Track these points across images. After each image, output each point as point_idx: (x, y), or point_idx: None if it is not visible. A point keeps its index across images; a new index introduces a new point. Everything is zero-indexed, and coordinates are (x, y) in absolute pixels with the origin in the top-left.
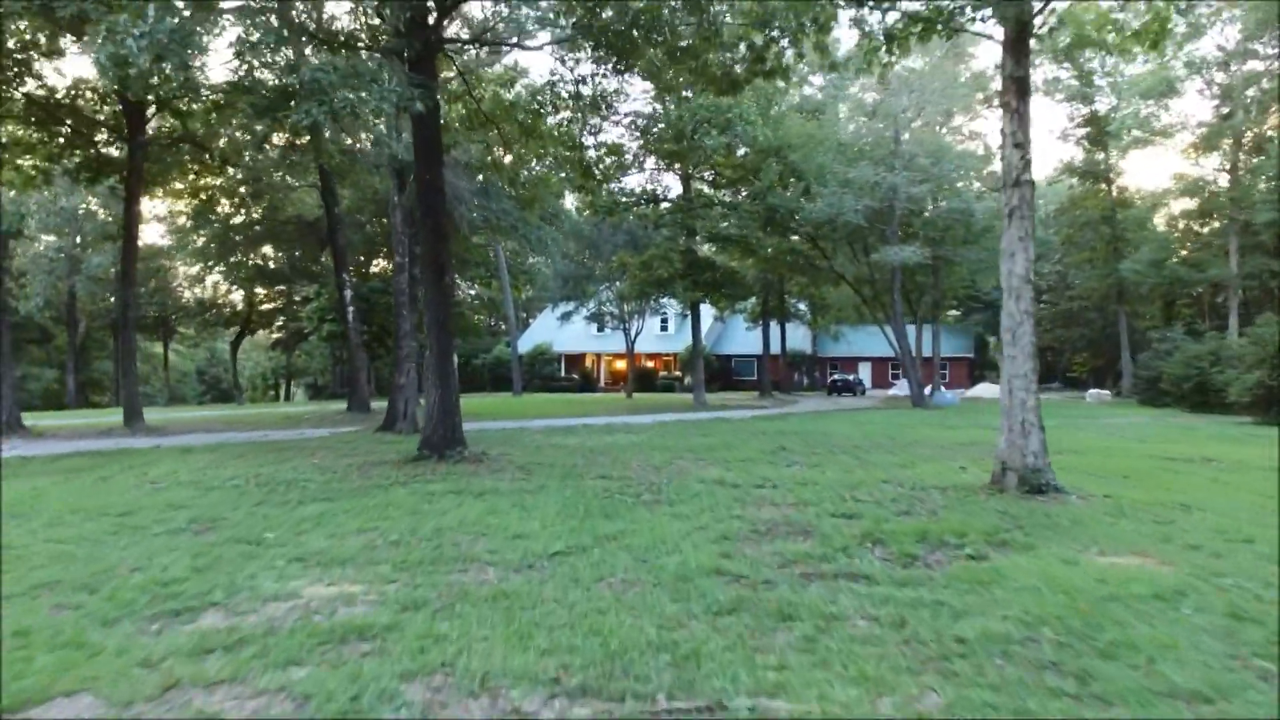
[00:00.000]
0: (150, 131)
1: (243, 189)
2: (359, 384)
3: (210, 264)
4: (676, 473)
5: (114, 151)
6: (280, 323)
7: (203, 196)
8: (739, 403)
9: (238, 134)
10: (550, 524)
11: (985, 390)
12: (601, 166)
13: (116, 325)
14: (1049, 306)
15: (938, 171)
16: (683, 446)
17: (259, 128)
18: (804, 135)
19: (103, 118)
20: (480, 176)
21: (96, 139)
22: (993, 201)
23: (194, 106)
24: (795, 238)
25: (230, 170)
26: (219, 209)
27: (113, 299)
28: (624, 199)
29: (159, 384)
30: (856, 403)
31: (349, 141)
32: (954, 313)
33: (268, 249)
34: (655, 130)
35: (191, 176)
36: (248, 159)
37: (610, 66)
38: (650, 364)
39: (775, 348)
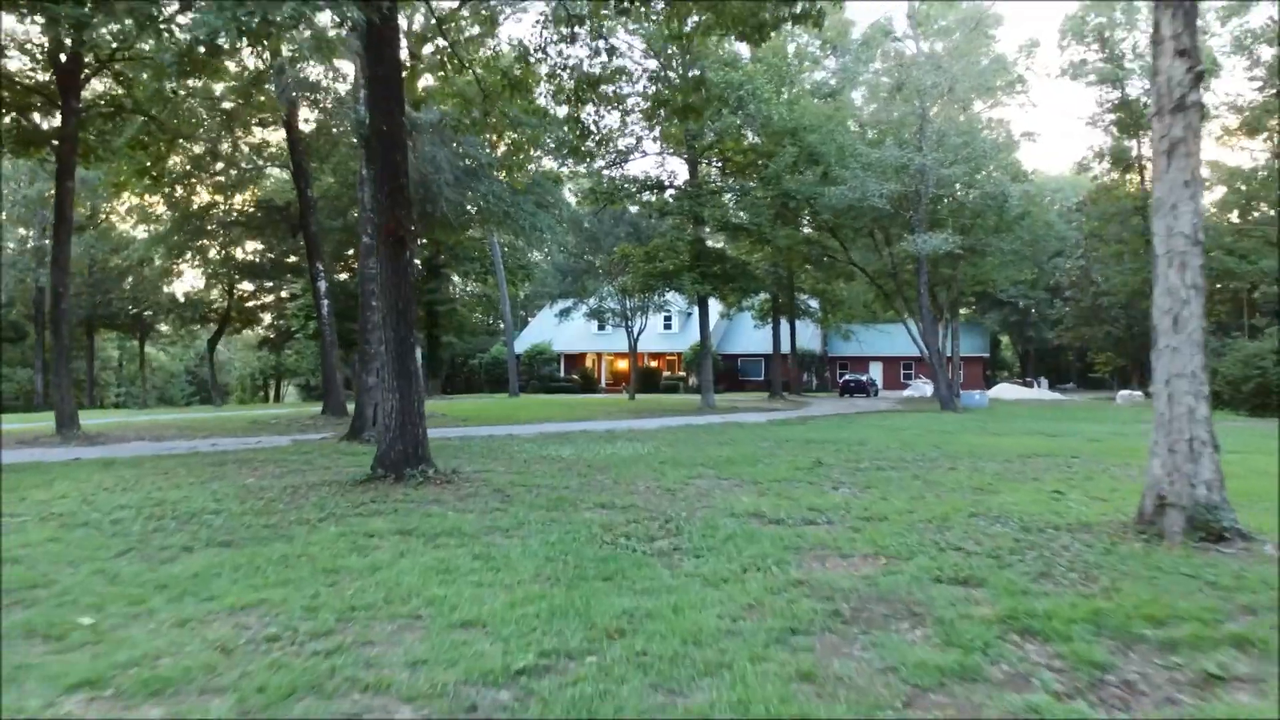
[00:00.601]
0: (90, 98)
1: (204, 168)
2: (333, 385)
3: (174, 254)
4: (697, 498)
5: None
6: (268, 321)
7: (155, 175)
8: (749, 404)
9: (165, 82)
10: (522, 598)
11: (1005, 391)
12: (600, 124)
13: (89, 322)
14: (1072, 304)
15: (970, 152)
16: (698, 459)
17: (147, 44)
18: (822, 116)
19: (33, 81)
20: (466, 157)
21: (28, 104)
22: (1031, 185)
23: (143, 75)
24: (807, 230)
25: (186, 144)
26: (180, 190)
27: (84, 293)
28: (627, 185)
29: (146, 384)
30: (874, 404)
31: (333, 128)
32: (963, 311)
33: (250, 242)
34: (667, 80)
35: (139, 150)
36: (204, 128)
37: (613, 6)
38: (653, 364)
39: (783, 346)
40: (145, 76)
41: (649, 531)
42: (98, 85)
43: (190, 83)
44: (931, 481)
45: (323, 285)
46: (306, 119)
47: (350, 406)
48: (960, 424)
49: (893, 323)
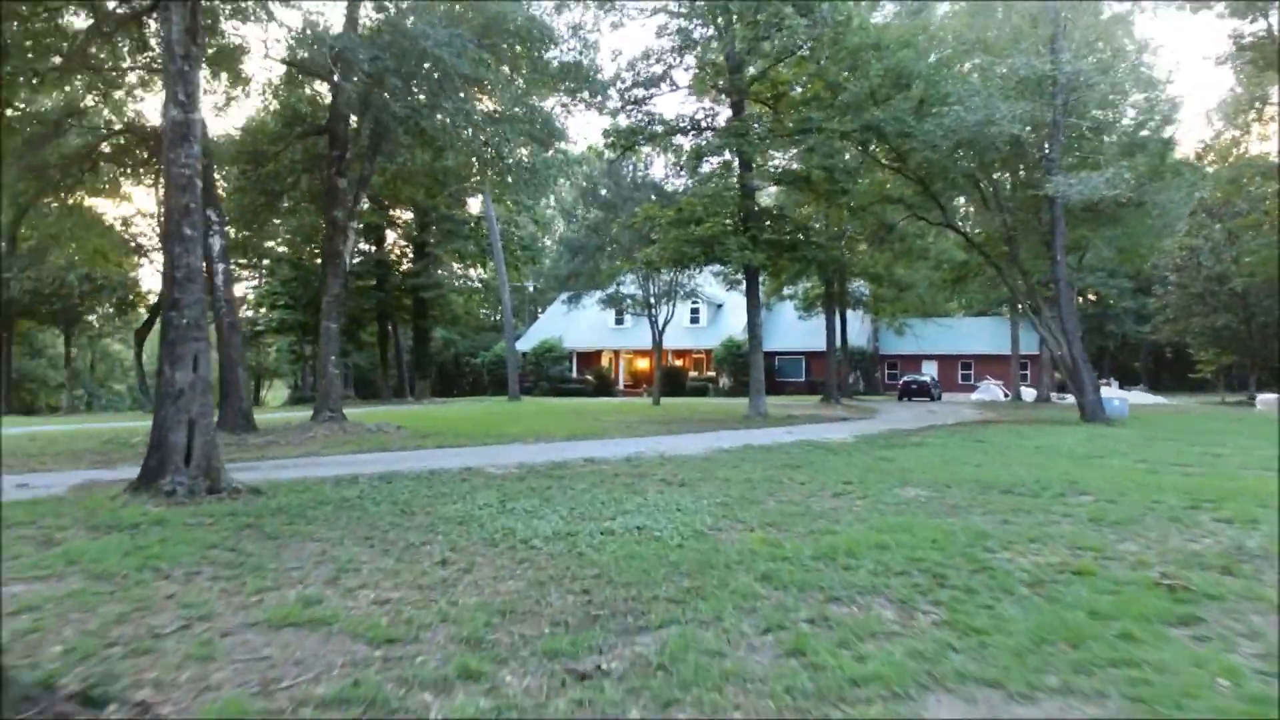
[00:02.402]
0: None
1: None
2: (234, 387)
3: (19, 207)
4: None
5: None
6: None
7: None
8: (803, 412)
9: None
10: None
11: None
12: None
13: (2, 310)
14: (1177, 290)
15: (1125, 67)
16: (829, 562)
17: None
18: (911, 31)
19: None
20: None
21: None
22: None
23: None
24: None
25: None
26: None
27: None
28: (652, 126)
29: (72, 384)
30: (952, 410)
31: None
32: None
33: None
34: None
35: None
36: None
37: None
38: (678, 363)
39: (824, 342)
40: None
41: None
42: None
43: None
44: None
45: (217, 243)
46: None
47: (289, 414)
48: (1153, 446)
49: (949, 315)
